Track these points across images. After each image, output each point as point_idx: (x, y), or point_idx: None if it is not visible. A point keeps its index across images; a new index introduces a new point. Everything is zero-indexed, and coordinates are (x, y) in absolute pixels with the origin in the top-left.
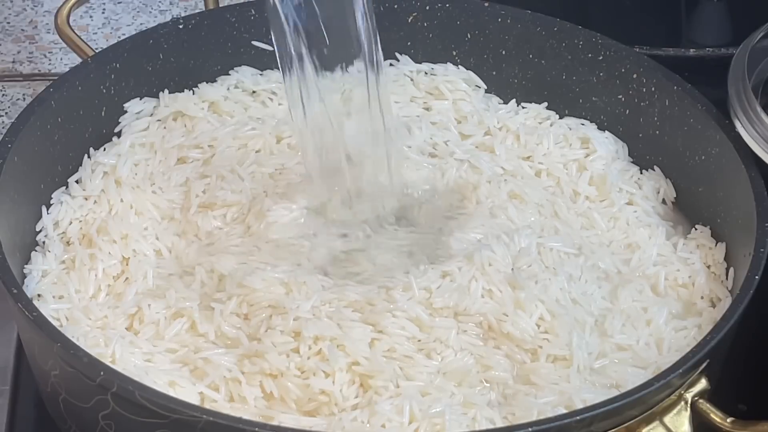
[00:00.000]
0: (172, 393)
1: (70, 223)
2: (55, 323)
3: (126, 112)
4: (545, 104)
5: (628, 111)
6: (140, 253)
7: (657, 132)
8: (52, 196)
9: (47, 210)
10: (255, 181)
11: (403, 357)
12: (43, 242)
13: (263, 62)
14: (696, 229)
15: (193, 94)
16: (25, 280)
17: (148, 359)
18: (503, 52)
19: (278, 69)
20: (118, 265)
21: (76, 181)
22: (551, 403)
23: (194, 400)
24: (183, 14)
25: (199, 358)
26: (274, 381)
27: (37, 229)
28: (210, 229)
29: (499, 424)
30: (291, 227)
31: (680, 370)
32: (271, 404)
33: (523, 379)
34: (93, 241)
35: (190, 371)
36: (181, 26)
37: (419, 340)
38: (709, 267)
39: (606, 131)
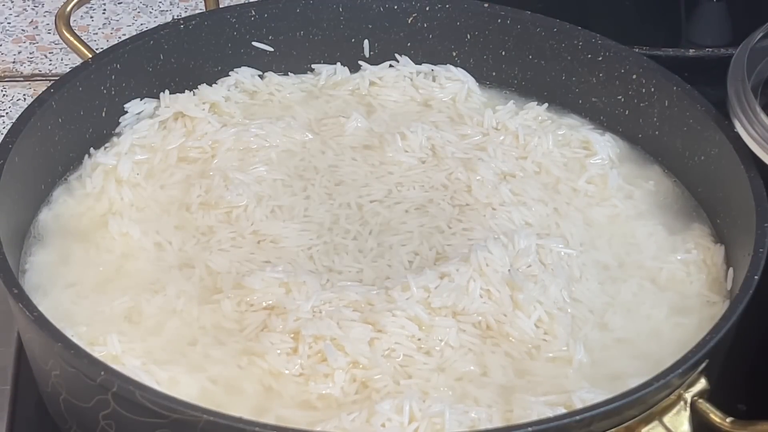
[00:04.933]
0: (172, 389)
1: (70, 218)
2: (53, 318)
3: (126, 112)
4: (545, 105)
5: (628, 111)
6: (140, 247)
7: (657, 132)
8: (53, 192)
9: (48, 206)
10: (260, 185)
11: (403, 356)
12: (43, 237)
13: (263, 63)
14: (695, 229)
15: (194, 95)
16: (25, 276)
17: (147, 354)
18: (503, 53)
19: (278, 71)
20: (118, 259)
21: (76, 180)
22: (551, 403)
23: (194, 394)
24: (183, 15)
25: (197, 352)
26: (273, 379)
27: (38, 224)
28: (211, 225)
29: (499, 423)
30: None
31: (680, 370)
32: (270, 397)
33: (523, 379)
34: (93, 235)
35: (189, 365)
36: (181, 27)
37: (419, 339)
38: (708, 266)
39: (606, 133)
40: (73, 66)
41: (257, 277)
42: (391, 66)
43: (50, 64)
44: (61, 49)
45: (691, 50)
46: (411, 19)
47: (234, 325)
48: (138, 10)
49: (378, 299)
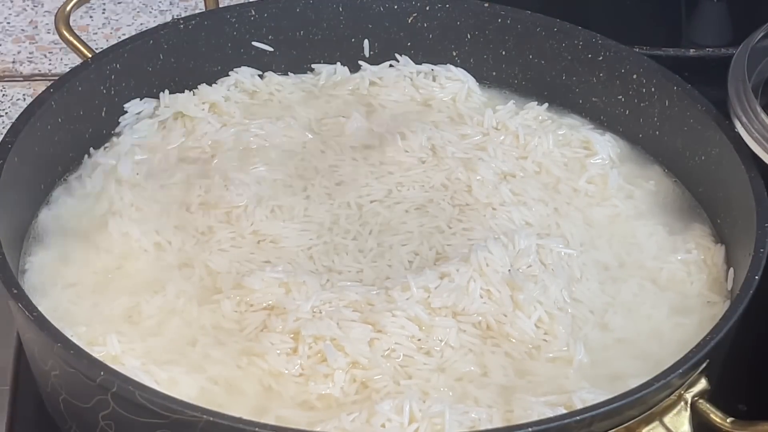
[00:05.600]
0: (171, 389)
1: (70, 218)
2: (53, 319)
3: (126, 112)
4: (545, 105)
5: (628, 111)
6: (139, 247)
7: (657, 132)
8: (53, 192)
9: (47, 206)
10: (260, 185)
11: (403, 356)
12: (43, 237)
13: (263, 63)
14: (695, 229)
15: (194, 95)
16: (24, 276)
17: (147, 354)
18: (503, 52)
19: (278, 70)
20: (117, 259)
21: (76, 180)
22: (551, 404)
23: (194, 394)
24: (183, 14)
25: (197, 352)
26: (273, 379)
27: (37, 224)
28: (211, 225)
29: (499, 424)
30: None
31: (680, 370)
32: (270, 397)
33: (523, 379)
34: (92, 236)
35: (189, 366)
36: (181, 26)
37: (419, 340)
38: (708, 266)
39: (606, 133)
40: (73, 66)
41: (257, 277)
42: (391, 66)
43: (50, 64)
44: (60, 48)
45: (691, 50)
46: (411, 19)
47: (234, 325)
48: (138, 9)
49: (378, 299)
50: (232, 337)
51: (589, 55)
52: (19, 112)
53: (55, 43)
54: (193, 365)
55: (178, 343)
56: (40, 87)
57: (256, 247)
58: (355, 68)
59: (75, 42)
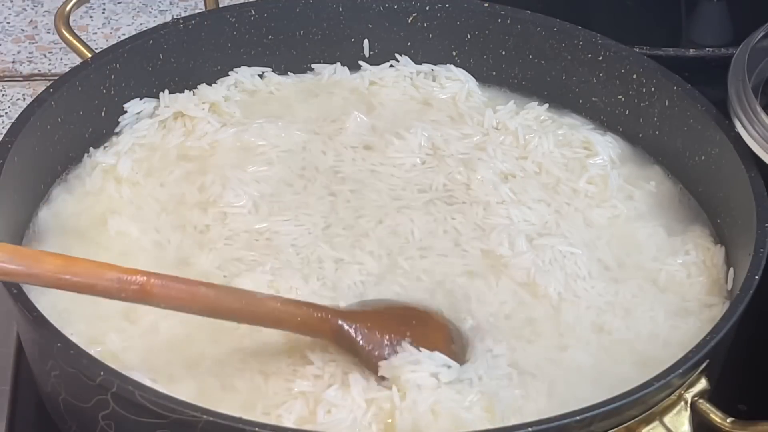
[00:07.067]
0: (169, 387)
1: (70, 216)
2: (52, 317)
3: (126, 112)
4: (545, 105)
5: (628, 111)
6: (138, 245)
7: (657, 132)
8: (52, 190)
9: (47, 205)
10: (260, 184)
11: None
12: (42, 236)
13: (263, 63)
14: (695, 230)
15: (194, 95)
16: None
17: (145, 352)
18: (503, 52)
19: (278, 70)
20: (116, 257)
21: (76, 178)
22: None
23: (191, 392)
24: (183, 14)
25: (194, 350)
26: (265, 379)
27: (37, 223)
28: (209, 223)
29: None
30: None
31: (680, 370)
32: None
33: (523, 377)
34: (92, 234)
35: (186, 364)
36: (181, 26)
37: None
38: (708, 267)
39: (607, 133)
40: (73, 66)
41: (255, 276)
42: (391, 66)
43: (49, 64)
44: (60, 48)
45: (691, 50)
46: (411, 19)
47: (231, 322)
48: (137, 9)
49: None
50: (228, 335)
51: (589, 55)
52: (19, 112)
53: (55, 43)
54: (190, 363)
55: (176, 341)
56: (40, 87)
57: (254, 246)
58: (355, 68)
59: (75, 42)
